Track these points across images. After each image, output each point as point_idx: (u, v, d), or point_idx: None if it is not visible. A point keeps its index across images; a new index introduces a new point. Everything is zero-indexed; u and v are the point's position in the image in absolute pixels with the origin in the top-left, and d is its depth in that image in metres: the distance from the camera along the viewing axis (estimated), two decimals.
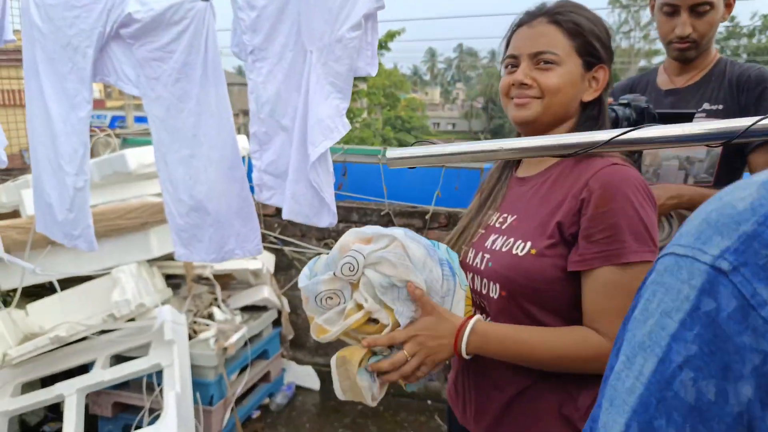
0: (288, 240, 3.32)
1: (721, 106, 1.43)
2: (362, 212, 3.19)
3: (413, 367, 0.97)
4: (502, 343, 0.97)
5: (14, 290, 2.69)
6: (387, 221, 3.12)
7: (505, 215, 1.10)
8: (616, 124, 1.16)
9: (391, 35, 18.22)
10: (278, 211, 3.19)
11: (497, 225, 1.10)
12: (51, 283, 2.73)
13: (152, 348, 2.58)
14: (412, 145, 1.06)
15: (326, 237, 3.27)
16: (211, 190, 1.81)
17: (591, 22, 1.05)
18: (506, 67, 1.08)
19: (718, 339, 0.28)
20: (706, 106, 1.45)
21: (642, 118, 1.15)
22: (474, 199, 1.21)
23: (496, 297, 1.02)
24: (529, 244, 1.00)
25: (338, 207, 3.15)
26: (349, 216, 3.21)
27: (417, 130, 29.34)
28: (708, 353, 0.28)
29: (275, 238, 3.34)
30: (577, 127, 1.07)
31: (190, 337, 2.76)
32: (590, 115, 1.08)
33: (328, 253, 1.06)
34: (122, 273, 2.64)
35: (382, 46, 17.58)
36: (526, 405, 1.02)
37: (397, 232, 1.01)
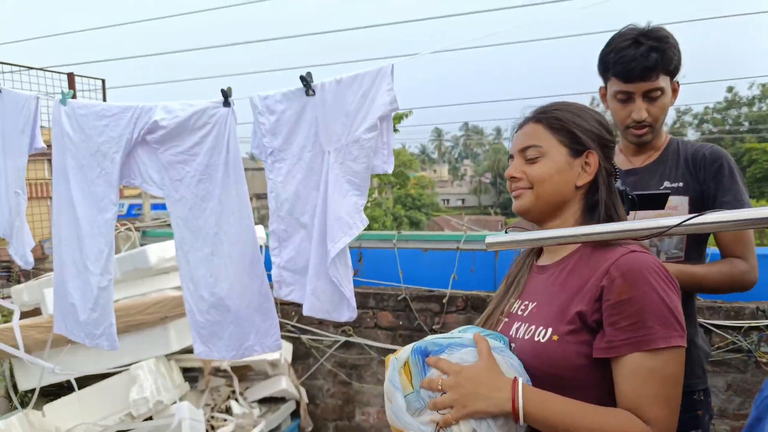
0: (305, 328, 3.30)
1: (681, 183, 1.49)
2: (379, 297, 3.18)
3: (444, 403, 0.94)
4: (551, 407, 0.94)
5: (32, 390, 2.67)
6: (404, 306, 3.11)
7: (527, 302, 1.12)
8: None
9: (398, 117, 18.89)
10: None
11: (519, 313, 1.11)
12: (69, 382, 2.71)
13: None
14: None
15: (343, 324, 3.24)
16: (232, 287, 1.83)
17: (574, 115, 1.13)
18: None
19: None
20: (666, 183, 1.51)
21: (621, 200, 1.20)
22: (500, 287, 1.23)
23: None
24: (550, 330, 1.00)
25: (355, 293, 3.16)
26: (366, 302, 3.20)
27: (427, 207, 29.64)
28: None
29: (292, 326, 3.32)
30: (585, 211, 1.12)
31: None
32: (594, 199, 1.12)
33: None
34: (141, 370, 2.62)
35: None
36: None
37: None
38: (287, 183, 1.71)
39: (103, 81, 3.82)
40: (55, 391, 2.81)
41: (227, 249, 1.82)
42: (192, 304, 1.88)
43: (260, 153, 1.76)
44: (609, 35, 1.53)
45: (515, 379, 0.95)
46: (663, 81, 1.48)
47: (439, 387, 0.95)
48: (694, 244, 1.50)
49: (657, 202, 1.29)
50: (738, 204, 1.42)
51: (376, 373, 3.21)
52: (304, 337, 3.31)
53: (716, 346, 2.57)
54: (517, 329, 1.08)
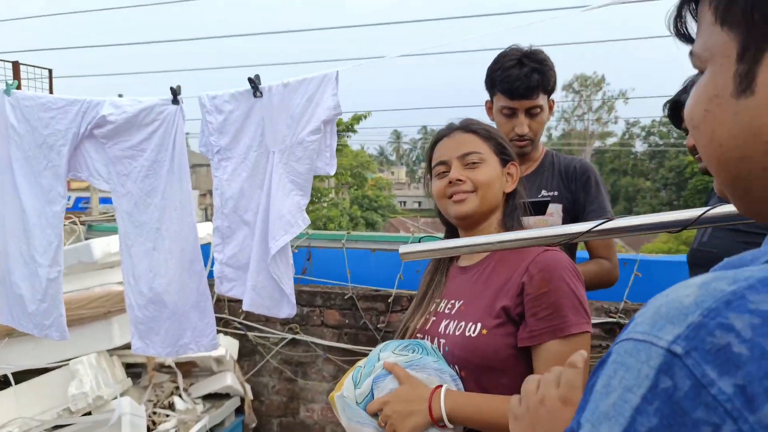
0: (252, 325, 3.32)
1: (555, 192, 1.66)
2: (326, 296, 3.24)
3: (390, 428, 1.04)
4: (478, 406, 1.04)
5: None
6: (351, 305, 3.18)
7: (453, 301, 1.20)
8: None
9: (357, 118, 18.89)
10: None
11: (446, 311, 1.20)
12: (5, 377, 2.65)
13: None
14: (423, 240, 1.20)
15: (290, 322, 3.29)
16: (171, 283, 1.86)
17: (495, 131, 1.27)
18: (437, 175, 1.24)
19: (675, 414, 0.33)
20: (543, 192, 1.67)
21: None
22: (420, 288, 1.31)
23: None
24: (479, 324, 1.10)
25: (303, 291, 3.21)
26: (314, 300, 3.25)
27: (384, 208, 29.75)
28: (667, 425, 0.33)
29: (239, 323, 3.34)
30: (505, 216, 1.23)
31: (149, 429, 2.68)
32: (514, 204, 1.25)
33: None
34: (80, 364, 2.59)
35: (349, 128, 18.13)
36: None
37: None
38: (232, 181, 1.76)
39: (50, 71, 3.73)
40: None
41: (168, 244, 1.85)
42: (132, 299, 1.90)
43: (207, 151, 1.80)
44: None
45: (435, 389, 1.05)
46: (542, 99, 1.63)
47: (381, 422, 1.06)
48: (566, 247, 1.64)
49: (539, 209, 1.44)
50: (602, 212, 1.61)
51: (321, 371, 3.27)
52: (250, 334, 3.34)
53: None
54: (446, 326, 1.16)
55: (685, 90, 1.56)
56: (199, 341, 1.88)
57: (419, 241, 1.20)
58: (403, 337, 1.25)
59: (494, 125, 1.65)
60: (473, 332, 1.09)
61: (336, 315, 3.23)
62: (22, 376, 2.65)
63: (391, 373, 1.09)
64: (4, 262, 1.96)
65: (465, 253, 1.19)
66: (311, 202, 16.66)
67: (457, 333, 1.13)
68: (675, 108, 1.57)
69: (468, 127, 1.24)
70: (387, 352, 1.14)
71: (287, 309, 1.70)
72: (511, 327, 1.08)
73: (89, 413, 2.53)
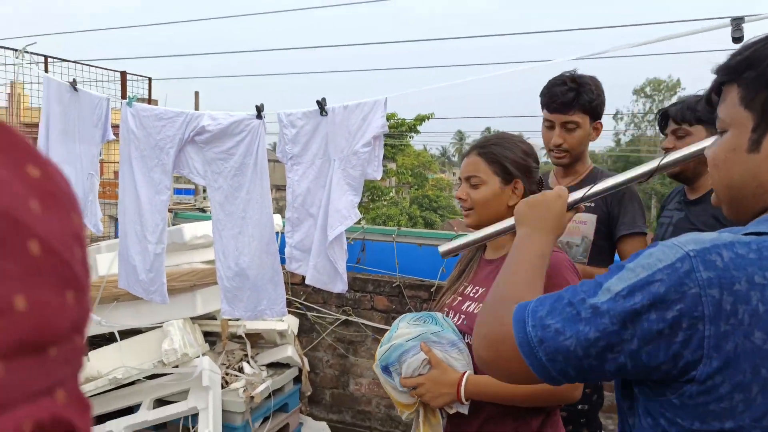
0: (311, 306, 3.79)
1: (592, 204, 1.83)
2: (377, 284, 3.66)
3: (420, 396, 1.40)
4: (489, 390, 1.37)
5: None
6: (398, 292, 3.58)
7: (477, 288, 1.51)
8: None
9: (420, 119, 19.15)
10: (304, 279, 3.69)
11: (471, 294, 1.51)
12: (111, 335, 3.23)
13: (191, 393, 3.02)
14: (454, 237, 1.49)
15: (344, 305, 3.73)
16: (252, 260, 2.33)
17: (505, 148, 1.47)
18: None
19: (677, 278, 0.63)
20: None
21: None
22: (453, 272, 1.63)
23: (473, 344, 1.44)
24: None
25: (356, 279, 3.65)
26: (365, 287, 3.68)
27: (443, 209, 29.89)
28: (669, 282, 0.63)
29: (300, 304, 3.82)
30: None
31: (223, 387, 3.20)
32: None
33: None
34: (171, 327, 3.13)
35: (411, 128, 18.41)
36: (493, 428, 1.41)
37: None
38: (302, 182, 2.20)
39: (150, 79, 4.36)
40: (98, 342, 3.34)
41: (251, 230, 2.32)
42: (222, 272, 2.38)
43: (283, 157, 2.25)
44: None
45: (461, 377, 1.36)
46: (579, 117, 1.83)
47: (415, 393, 1.40)
48: (597, 255, 1.86)
49: None
50: (633, 225, 1.81)
51: (370, 349, 3.69)
52: (309, 314, 3.81)
53: None
54: (468, 306, 1.48)
55: (675, 105, 1.83)
56: (273, 308, 2.35)
57: (452, 239, 1.52)
58: (436, 309, 1.56)
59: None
60: None
61: (384, 301, 3.64)
62: (125, 334, 3.22)
63: (416, 352, 1.39)
64: (124, 239, 2.50)
65: (481, 241, 1.42)
66: (372, 200, 17.18)
67: (476, 312, 1.44)
68: (664, 116, 1.86)
69: (479, 149, 1.49)
70: (404, 323, 1.45)
71: (340, 285, 2.13)
72: None
73: (177, 367, 3.06)
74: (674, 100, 1.99)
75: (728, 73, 0.75)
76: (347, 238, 3.66)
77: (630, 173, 1.19)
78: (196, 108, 15.09)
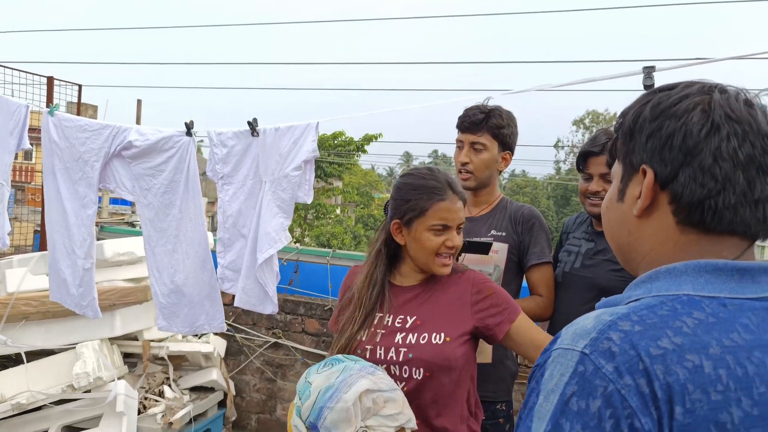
0: (240, 327, 3.68)
1: (504, 233, 1.92)
2: (308, 306, 3.61)
3: None
4: None
5: None
6: (330, 315, 3.54)
7: (403, 316, 1.47)
8: None
9: (368, 138, 19.24)
10: (233, 300, 3.59)
11: (397, 325, 1.46)
12: (18, 356, 3.01)
13: (103, 419, 2.85)
14: None
15: (274, 327, 3.65)
16: (188, 277, 2.26)
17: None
18: (437, 230, 1.48)
19: (585, 383, 0.60)
20: (493, 231, 1.92)
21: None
22: (352, 307, 1.51)
23: (419, 378, 1.39)
24: (443, 334, 1.41)
25: (287, 301, 3.58)
26: (297, 309, 3.61)
27: None
28: (581, 389, 0.62)
29: (229, 325, 3.70)
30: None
31: (140, 412, 3.03)
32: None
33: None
34: (85, 348, 2.95)
35: (359, 148, 18.49)
36: None
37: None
38: (233, 202, 2.15)
39: (80, 86, 4.17)
40: (4, 363, 3.11)
41: (185, 247, 2.24)
42: (157, 288, 2.29)
43: (213, 176, 2.19)
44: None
45: None
46: (487, 140, 1.89)
47: None
48: (509, 284, 1.90)
49: (482, 249, 1.75)
50: (542, 254, 1.89)
51: (299, 373, 3.61)
52: (238, 335, 3.69)
53: (525, 364, 3.05)
54: (404, 338, 1.42)
55: (593, 141, 1.90)
56: (212, 323, 2.29)
57: None
58: (345, 349, 1.46)
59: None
60: (439, 340, 1.40)
61: (316, 324, 3.59)
62: (34, 356, 3.01)
63: (345, 391, 1.25)
64: (53, 251, 2.36)
65: None
66: (317, 218, 17.05)
67: (422, 342, 1.40)
68: (583, 157, 1.91)
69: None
70: (313, 376, 1.30)
71: (270, 307, 2.10)
72: (468, 335, 1.43)
73: (89, 391, 2.89)
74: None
75: (615, 131, 0.80)
76: (281, 259, 3.59)
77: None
78: (138, 116, 14.61)
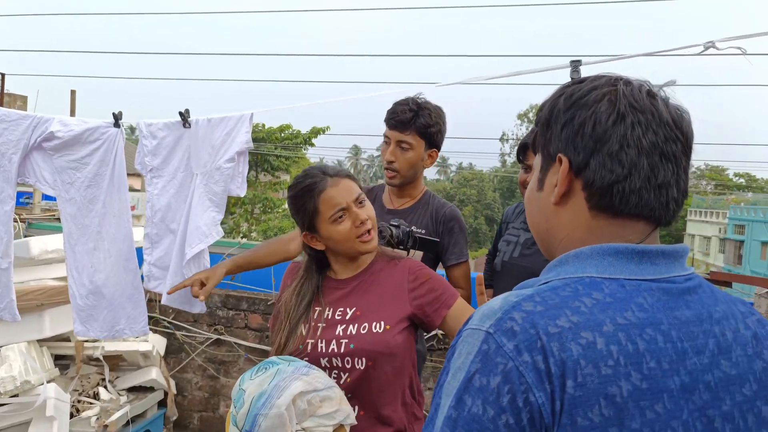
0: (180, 325, 3.59)
1: (423, 231, 1.94)
2: (251, 301, 3.55)
3: None
4: None
5: None
6: (273, 309, 3.50)
7: (343, 309, 1.47)
8: (390, 238, 1.68)
9: (315, 131, 19.08)
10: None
11: (337, 317, 1.46)
12: None
13: (32, 425, 2.72)
14: None
15: (216, 323, 3.57)
16: (108, 277, 2.16)
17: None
18: (338, 219, 1.47)
19: (488, 360, 0.62)
20: (414, 228, 1.90)
21: (408, 237, 1.67)
22: (292, 301, 1.51)
23: (362, 368, 1.39)
24: (383, 322, 1.41)
25: (229, 296, 3.51)
26: (239, 304, 3.55)
27: None
28: (483, 367, 0.62)
29: (168, 322, 3.60)
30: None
31: (73, 415, 2.91)
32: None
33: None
34: (11, 351, 2.80)
35: (306, 141, 18.31)
36: None
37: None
38: (162, 196, 2.08)
39: (3, 75, 3.93)
40: None
41: (107, 245, 2.15)
42: (75, 290, 2.18)
43: (142, 169, 2.11)
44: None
45: None
46: (413, 139, 1.87)
47: None
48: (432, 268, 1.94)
49: (430, 247, 1.77)
50: (461, 254, 1.94)
51: (243, 369, 3.56)
52: (178, 333, 3.60)
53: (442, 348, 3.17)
54: (345, 329, 1.42)
55: (532, 133, 1.95)
56: (133, 327, 2.19)
57: None
58: (283, 349, 1.44)
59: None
60: (379, 329, 1.40)
61: (259, 319, 3.54)
62: None
63: (277, 397, 1.23)
64: None
65: None
66: (264, 212, 16.81)
67: (363, 332, 1.40)
68: (524, 147, 1.96)
69: (348, 174, 1.49)
70: (246, 383, 1.28)
71: (198, 306, 2.03)
72: (407, 321, 1.44)
73: (16, 396, 2.75)
74: None
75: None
76: (222, 254, 3.52)
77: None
78: (72, 108, 13.92)
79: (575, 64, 1.71)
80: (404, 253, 1.61)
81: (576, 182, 0.74)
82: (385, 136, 1.93)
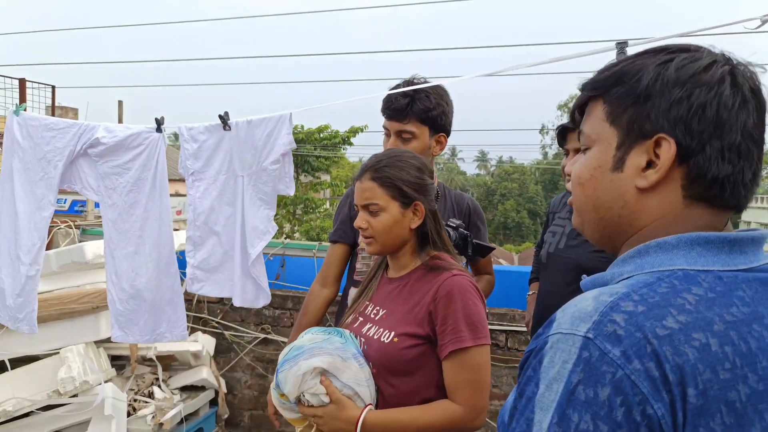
0: (228, 325, 3.65)
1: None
2: (296, 300, 3.57)
3: (318, 425, 1.33)
4: (387, 426, 1.32)
5: None
6: None
7: (378, 308, 1.45)
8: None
9: (353, 131, 19.15)
10: (220, 298, 3.55)
11: (372, 315, 1.45)
12: (2, 362, 2.96)
13: (92, 424, 2.82)
14: None
15: (263, 323, 3.62)
16: (149, 281, 2.20)
17: (399, 169, 1.38)
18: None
19: (592, 370, 0.55)
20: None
21: (465, 242, 1.59)
22: (358, 289, 1.56)
23: (374, 371, 1.36)
24: (392, 333, 1.36)
25: (275, 295, 3.55)
26: (285, 303, 3.58)
27: None
28: (588, 377, 0.55)
29: (217, 323, 3.67)
30: (418, 246, 1.44)
31: (130, 414, 3.00)
32: (423, 232, 1.44)
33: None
34: (70, 352, 2.91)
35: (345, 141, 18.40)
36: None
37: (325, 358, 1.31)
38: (204, 198, 2.11)
39: (53, 87, 4.09)
40: None
41: (148, 249, 2.19)
42: (114, 294, 2.23)
43: (184, 172, 2.14)
44: None
45: (359, 415, 1.29)
46: (414, 126, 1.68)
47: (313, 422, 1.34)
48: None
49: (484, 252, 1.71)
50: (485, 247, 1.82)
51: None
52: (227, 333, 3.66)
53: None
54: (369, 329, 1.40)
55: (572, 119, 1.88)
56: (173, 331, 2.22)
57: None
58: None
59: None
60: (386, 339, 1.35)
61: None
62: (18, 362, 2.97)
63: (310, 355, 1.31)
64: None
65: None
66: (305, 212, 17.01)
67: (375, 337, 1.37)
68: (563, 131, 1.90)
69: (372, 173, 1.39)
70: (309, 334, 1.38)
71: (263, 300, 2.13)
72: (417, 340, 1.32)
73: (76, 396, 2.85)
74: None
75: (595, 89, 0.72)
76: (266, 254, 3.55)
77: None
78: (119, 118, 14.42)
79: (621, 46, 1.62)
80: (460, 262, 1.50)
81: (676, 168, 0.65)
82: (384, 128, 1.75)
